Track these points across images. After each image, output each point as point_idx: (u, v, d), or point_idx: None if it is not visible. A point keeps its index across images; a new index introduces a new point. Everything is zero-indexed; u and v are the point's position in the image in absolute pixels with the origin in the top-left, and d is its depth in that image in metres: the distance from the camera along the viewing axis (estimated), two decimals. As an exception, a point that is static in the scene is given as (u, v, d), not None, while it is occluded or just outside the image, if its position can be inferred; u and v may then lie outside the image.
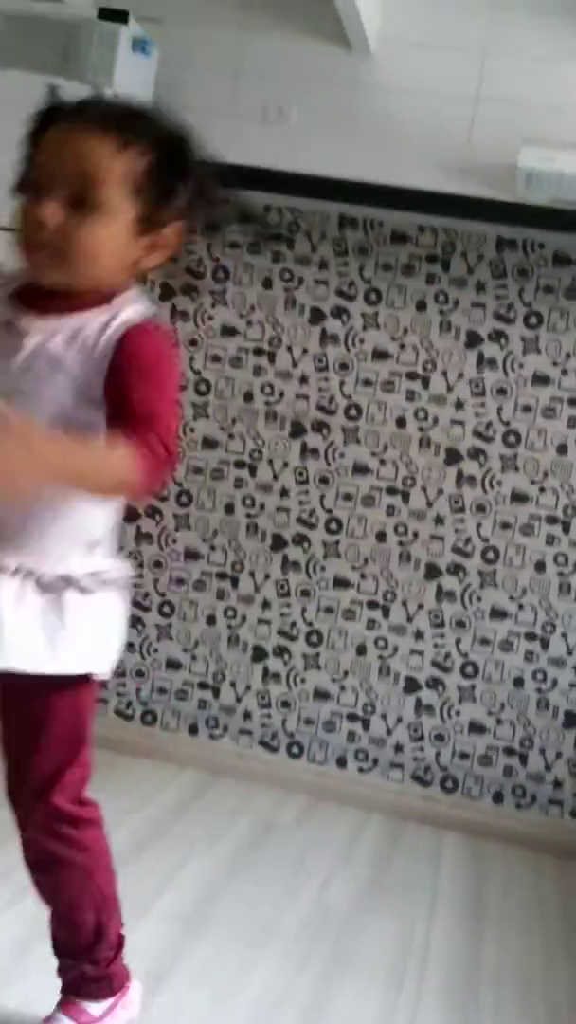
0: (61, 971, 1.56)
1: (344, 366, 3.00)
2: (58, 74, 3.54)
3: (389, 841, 2.65)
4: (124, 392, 1.34)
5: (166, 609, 3.01)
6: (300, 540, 2.98)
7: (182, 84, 3.52)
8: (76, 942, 1.54)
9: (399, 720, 2.91)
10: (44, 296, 1.41)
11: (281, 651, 2.97)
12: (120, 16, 3.34)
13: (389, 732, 2.92)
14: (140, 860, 2.23)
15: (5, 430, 1.19)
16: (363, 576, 2.96)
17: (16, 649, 1.39)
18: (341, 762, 2.93)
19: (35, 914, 1.57)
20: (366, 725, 2.93)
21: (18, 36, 3.46)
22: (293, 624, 2.97)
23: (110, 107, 1.45)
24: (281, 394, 3.03)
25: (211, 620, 2.99)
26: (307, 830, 2.62)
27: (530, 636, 2.89)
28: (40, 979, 1.61)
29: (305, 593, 2.97)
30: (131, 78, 3.44)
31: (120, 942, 1.59)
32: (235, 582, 2.99)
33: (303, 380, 3.02)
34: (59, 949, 1.55)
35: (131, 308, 1.42)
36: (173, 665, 2.99)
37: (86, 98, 1.44)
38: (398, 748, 2.91)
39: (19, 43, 3.45)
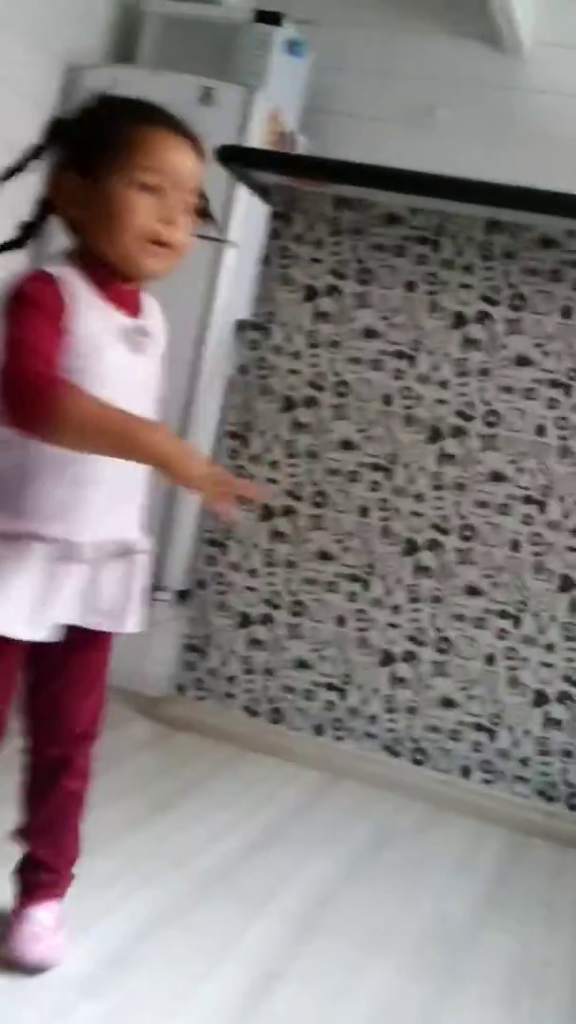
0: (37, 880, 1.71)
1: (485, 372, 2.97)
2: (212, 75, 3.59)
3: (510, 855, 2.61)
4: None
5: (297, 608, 3.03)
6: (433, 546, 2.97)
7: (333, 85, 3.54)
8: (69, 861, 1.73)
9: (526, 733, 2.87)
10: (116, 291, 1.51)
11: (409, 656, 2.96)
12: (275, 19, 3.38)
13: (516, 745, 2.88)
14: (258, 857, 2.25)
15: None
16: (495, 585, 2.92)
17: (132, 613, 1.61)
18: (465, 771, 2.90)
19: None
20: (492, 736, 2.89)
21: (175, 38, 3.53)
22: (422, 630, 2.95)
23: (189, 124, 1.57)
24: (420, 398, 3.01)
25: (341, 621, 3.00)
26: (427, 838, 2.61)
27: None
28: None
29: (436, 599, 2.95)
30: (284, 79, 3.48)
31: None
32: (366, 585, 2.99)
33: (443, 385, 3.00)
34: (46, 864, 1.72)
35: None
36: (302, 665, 3.00)
37: (162, 105, 1.53)
38: (524, 762, 2.86)
39: (176, 45, 3.52)
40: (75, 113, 1.53)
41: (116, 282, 1.51)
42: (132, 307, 1.55)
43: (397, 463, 3.01)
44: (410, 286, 3.05)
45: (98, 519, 1.52)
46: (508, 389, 2.95)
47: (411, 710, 2.95)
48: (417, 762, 2.93)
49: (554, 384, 2.92)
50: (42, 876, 1.72)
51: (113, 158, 1.45)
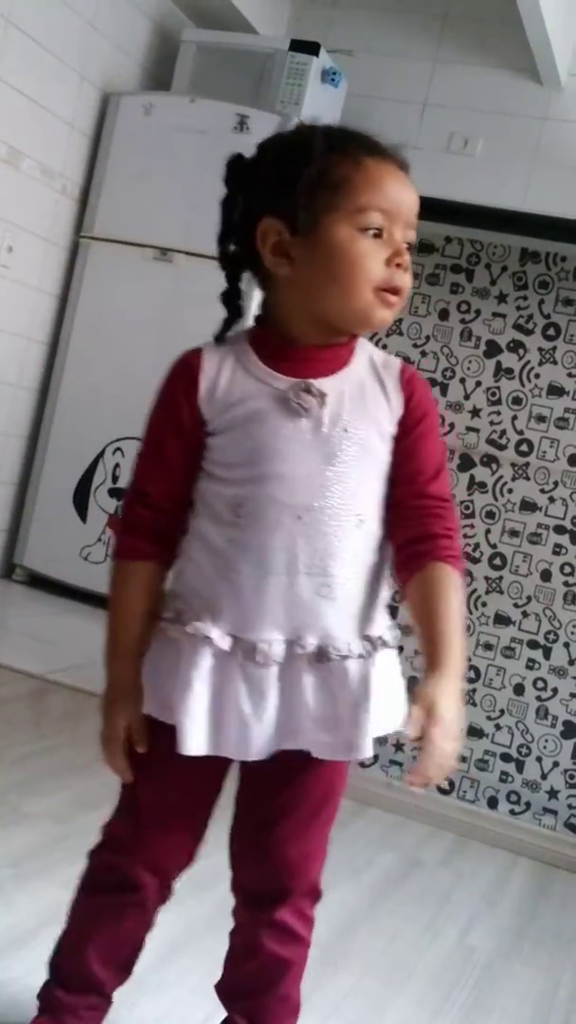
0: None
1: (518, 400, 2.96)
2: (248, 103, 3.62)
3: (537, 888, 2.57)
4: None
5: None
6: (464, 574, 2.95)
7: (369, 115, 3.56)
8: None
9: (555, 765, 2.84)
10: (287, 353, 1.33)
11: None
12: (312, 48, 3.41)
13: (544, 776, 2.84)
14: (282, 884, 2.23)
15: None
16: (525, 614, 2.90)
17: (344, 734, 1.34)
18: (492, 802, 2.87)
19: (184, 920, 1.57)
20: (520, 767, 2.86)
21: (211, 66, 3.56)
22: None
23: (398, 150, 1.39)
24: (452, 425, 3.01)
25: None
26: (452, 869, 2.57)
27: None
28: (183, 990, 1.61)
29: (466, 627, 2.93)
30: (319, 108, 3.50)
31: None
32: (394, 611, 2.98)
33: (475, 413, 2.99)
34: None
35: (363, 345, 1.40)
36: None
37: (366, 131, 1.33)
38: (552, 793, 2.83)
39: (212, 73, 3.55)
40: (267, 151, 1.34)
41: (294, 341, 1.33)
42: (320, 365, 1.33)
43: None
44: (443, 314, 3.05)
45: (280, 616, 1.31)
46: (541, 418, 2.94)
47: (438, 739, 2.92)
48: (444, 791, 2.90)
49: (587, 413, 2.91)
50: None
51: (331, 201, 1.26)
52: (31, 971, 1.50)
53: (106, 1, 3.44)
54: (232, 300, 1.37)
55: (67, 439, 3.44)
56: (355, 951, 2.05)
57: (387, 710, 1.36)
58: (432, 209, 3.09)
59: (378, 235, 1.27)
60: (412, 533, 1.37)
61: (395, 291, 1.29)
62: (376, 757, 2.80)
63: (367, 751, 1.35)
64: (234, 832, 1.44)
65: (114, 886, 1.42)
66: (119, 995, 1.57)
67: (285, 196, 1.27)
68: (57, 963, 1.48)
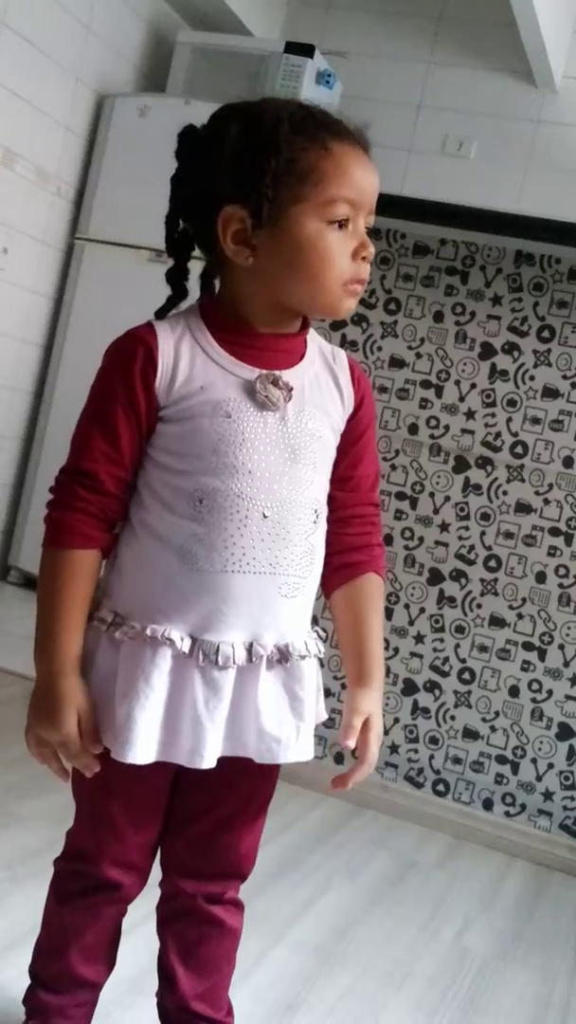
0: None
1: (513, 402, 2.96)
2: (243, 106, 3.61)
3: (533, 890, 2.57)
4: None
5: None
6: (457, 576, 2.95)
7: (363, 117, 3.57)
8: (221, 1006, 1.50)
9: (550, 766, 2.84)
10: (248, 339, 1.30)
11: (432, 687, 2.94)
12: (306, 50, 3.41)
13: (539, 778, 2.84)
14: (277, 886, 2.23)
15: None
16: (520, 616, 2.90)
17: (295, 738, 1.33)
18: (487, 804, 2.87)
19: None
20: (515, 769, 2.86)
21: (206, 68, 3.56)
22: (446, 660, 2.93)
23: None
24: (447, 427, 3.01)
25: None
26: (448, 871, 2.57)
27: None
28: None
29: (460, 629, 2.93)
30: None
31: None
32: (389, 613, 2.97)
33: (470, 415, 3.00)
34: (207, 1019, 1.48)
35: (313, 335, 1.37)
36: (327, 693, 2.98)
37: (328, 111, 1.27)
38: (548, 795, 2.83)
39: (206, 74, 3.55)
40: (226, 129, 1.25)
41: (252, 331, 1.30)
42: (281, 356, 1.31)
43: (422, 492, 3.00)
44: (438, 316, 3.05)
45: (243, 615, 1.28)
46: (536, 420, 2.94)
47: (434, 740, 2.92)
48: (439, 793, 2.90)
49: (582, 415, 2.91)
50: None
51: (298, 192, 1.22)
52: (24, 976, 1.50)
53: (101, 3, 3.44)
54: (178, 280, 1.34)
55: (62, 441, 3.42)
56: (351, 952, 2.05)
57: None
58: (427, 211, 3.11)
59: (343, 224, 1.24)
60: (353, 541, 1.39)
61: (360, 282, 1.27)
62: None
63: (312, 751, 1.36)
64: (179, 826, 1.41)
65: (87, 890, 1.41)
66: (114, 997, 1.57)
67: (249, 182, 1.22)
68: (38, 968, 1.47)
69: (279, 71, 3.47)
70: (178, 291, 1.34)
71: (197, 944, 1.45)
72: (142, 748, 1.27)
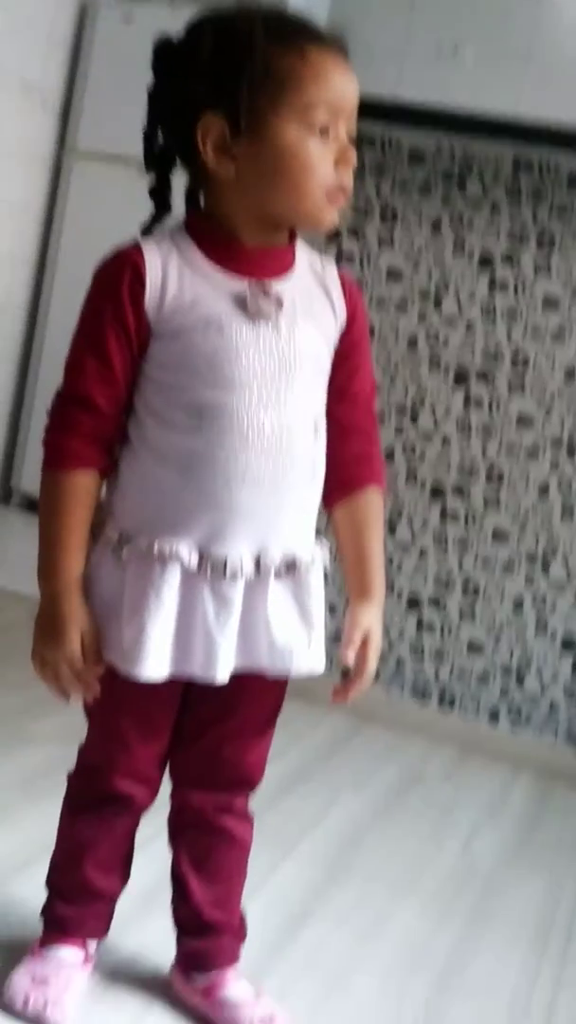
0: (217, 947, 1.49)
1: (512, 314, 2.91)
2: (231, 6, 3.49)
3: (538, 799, 2.60)
4: None
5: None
6: (459, 491, 2.94)
7: (355, 18, 3.45)
8: (243, 919, 1.52)
9: (554, 678, 2.85)
10: (235, 252, 1.28)
11: (436, 602, 2.94)
12: (296, -51, 3.30)
13: (544, 690, 2.86)
14: (285, 801, 2.25)
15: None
16: (523, 529, 2.89)
17: (306, 648, 1.34)
18: (493, 716, 2.89)
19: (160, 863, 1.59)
20: (520, 681, 2.87)
21: (193, -28, 3.45)
22: (449, 574, 2.93)
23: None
24: (446, 341, 2.97)
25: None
26: (454, 783, 2.60)
27: None
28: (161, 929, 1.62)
29: (463, 543, 2.92)
30: (305, 9, 3.39)
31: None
32: (392, 528, 2.96)
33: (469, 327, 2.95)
34: (220, 926, 1.49)
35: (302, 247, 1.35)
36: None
37: (304, 18, 1.26)
38: (552, 706, 2.85)
39: (194, -21, 3.44)
40: (202, 38, 1.23)
41: (238, 244, 1.28)
42: (269, 267, 1.29)
43: (423, 407, 2.97)
44: (436, 225, 2.99)
45: (249, 528, 1.28)
46: (536, 332, 2.90)
47: (438, 655, 2.93)
48: (445, 707, 2.92)
49: (584, 325, 2.87)
50: (222, 940, 1.48)
51: (276, 97, 1.20)
52: (42, 890, 1.52)
53: None
54: (162, 195, 1.31)
55: (60, 361, 3.39)
56: (359, 864, 2.08)
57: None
58: (422, 117, 3.03)
59: (323, 131, 1.22)
60: (354, 451, 1.38)
61: (343, 190, 1.25)
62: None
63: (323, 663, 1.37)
64: (189, 740, 1.42)
65: (100, 802, 1.43)
66: (129, 908, 1.59)
67: (226, 91, 1.20)
68: (55, 881, 1.49)
69: (268, -27, 3.37)
70: (162, 207, 1.32)
71: (208, 853, 1.47)
72: (154, 663, 1.28)
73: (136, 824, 1.48)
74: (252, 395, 1.26)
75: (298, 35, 1.22)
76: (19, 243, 3.41)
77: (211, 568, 1.27)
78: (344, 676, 1.38)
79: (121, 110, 3.16)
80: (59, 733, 2.04)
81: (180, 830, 1.48)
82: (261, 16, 1.23)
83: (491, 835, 2.34)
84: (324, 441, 1.35)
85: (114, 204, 3.17)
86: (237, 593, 1.29)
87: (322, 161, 1.22)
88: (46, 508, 1.29)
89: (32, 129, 3.35)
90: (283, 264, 1.31)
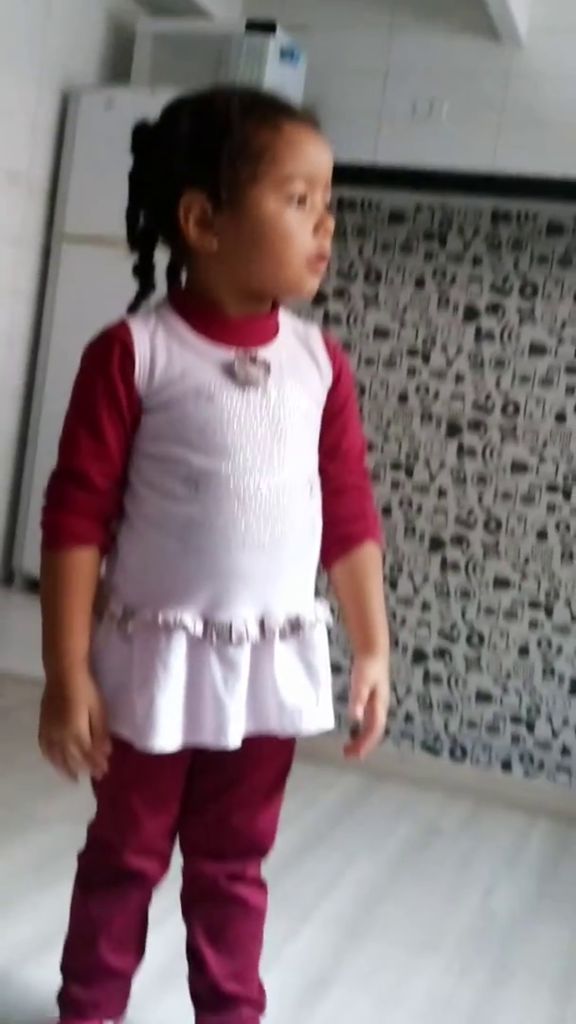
0: (232, 1019, 1.49)
1: (500, 363, 2.96)
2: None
3: (557, 846, 2.60)
4: None
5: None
6: (459, 541, 2.96)
7: (331, 88, 3.54)
8: (262, 989, 1.53)
9: (565, 722, 2.86)
10: (220, 323, 1.31)
11: (442, 653, 2.95)
12: (268, 27, 3.38)
13: (555, 735, 2.86)
14: (301, 865, 2.25)
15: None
16: (524, 576, 2.91)
17: (314, 706, 1.36)
18: (506, 765, 2.89)
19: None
20: (531, 728, 2.88)
21: (169, 54, 3.53)
22: (453, 625, 2.95)
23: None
24: (436, 394, 3.01)
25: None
26: (471, 835, 2.59)
27: None
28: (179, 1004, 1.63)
29: (465, 593, 2.94)
30: (280, 86, 3.48)
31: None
32: (394, 585, 2.98)
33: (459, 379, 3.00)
34: (240, 998, 1.49)
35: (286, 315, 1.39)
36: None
37: (277, 95, 1.31)
38: (565, 751, 2.85)
39: (170, 60, 3.53)
40: (178, 119, 1.28)
41: (223, 314, 1.31)
42: (254, 336, 1.33)
43: (417, 460, 3.00)
44: (419, 283, 3.05)
45: (252, 592, 1.30)
46: (525, 378, 2.94)
47: (448, 706, 2.94)
48: (457, 758, 2.92)
49: (571, 370, 2.91)
50: (242, 1013, 1.48)
51: (254, 171, 1.24)
52: (58, 974, 1.52)
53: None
54: (146, 273, 1.35)
55: (56, 440, 3.44)
56: (380, 922, 2.07)
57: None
58: (401, 178, 3.10)
59: (301, 201, 1.26)
60: (349, 510, 1.40)
61: (322, 258, 1.29)
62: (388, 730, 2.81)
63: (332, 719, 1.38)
64: (197, 809, 1.42)
65: (111, 879, 1.43)
66: (146, 987, 1.59)
67: (206, 168, 1.24)
68: (69, 963, 1.50)
69: (242, 51, 3.45)
70: (146, 284, 1.36)
71: (223, 925, 1.47)
72: (167, 735, 1.29)
73: (149, 899, 1.49)
74: (246, 459, 1.28)
75: (273, 111, 1.27)
76: (12, 326, 3.48)
77: (216, 634, 1.29)
78: (353, 733, 1.39)
79: (105, 192, 3.23)
80: (69, 814, 2.05)
81: (193, 902, 1.49)
82: (236, 95, 1.28)
83: (510, 886, 2.33)
84: (319, 500, 1.37)
85: (103, 284, 3.23)
86: (244, 657, 1.30)
87: (301, 230, 1.26)
88: (48, 588, 1.30)
89: (20, 216, 3.43)
90: (267, 331, 1.35)
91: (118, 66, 3.69)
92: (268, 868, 1.51)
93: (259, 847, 1.47)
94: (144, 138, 1.31)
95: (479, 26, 3.41)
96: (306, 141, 1.26)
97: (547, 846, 2.59)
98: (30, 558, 3.37)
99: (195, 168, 1.25)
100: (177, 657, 1.28)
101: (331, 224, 1.29)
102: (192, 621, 1.28)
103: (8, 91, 3.26)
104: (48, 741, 1.32)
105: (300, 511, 1.33)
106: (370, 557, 1.42)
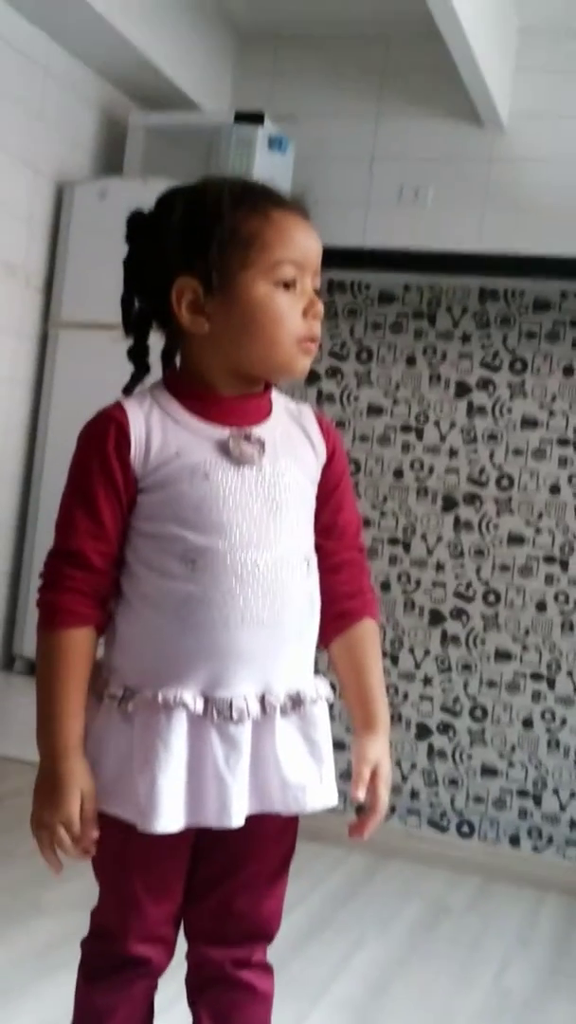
0: None
1: (493, 437, 2.99)
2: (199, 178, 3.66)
3: (569, 921, 2.56)
4: None
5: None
6: (458, 614, 2.97)
7: (319, 175, 3.63)
8: None
9: (573, 795, 2.83)
10: (214, 403, 1.33)
11: (445, 728, 2.94)
12: (256, 118, 3.48)
13: (563, 808, 2.84)
14: (310, 946, 2.22)
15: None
16: (525, 648, 2.91)
17: (311, 787, 1.33)
18: (514, 840, 2.86)
19: None
20: (538, 801, 2.85)
21: (161, 145, 3.63)
22: (456, 698, 2.94)
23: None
24: (431, 469, 3.04)
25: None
26: (481, 912, 2.56)
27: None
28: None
29: (466, 667, 2.94)
30: (269, 175, 3.57)
31: None
32: (395, 660, 2.98)
33: (452, 453, 3.03)
34: None
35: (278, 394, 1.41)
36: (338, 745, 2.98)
37: (267, 184, 1.35)
38: (573, 824, 2.82)
39: (161, 152, 3.62)
40: (171, 208, 1.31)
41: (216, 395, 1.33)
42: (248, 415, 1.34)
43: (414, 535, 3.02)
44: (411, 360, 3.09)
45: (252, 668, 1.29)
46: (518, 452, 2.97)
47: (453, 782, 2.92)
48: (464, 835, 2.89)
49: (563, 442, 2.95)
50: None
51: (245, 257, 1.27)
52: (64, 1063, 1.49)
53: (52, 94, 3.53)
54: (140, 356, 1.37)
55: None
56: (391, 1005, 2.04)
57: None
58: (389, 260, 3.16)
59: (290, 285, 1.29)
60: (346, 587, 1.40)
61: (312, 340, 1.31)
62: (394, 807, 2.78)
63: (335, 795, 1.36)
64: (201, 893, 1.39)
65: (115, 967, 1.40)
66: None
67: (197, 254, 1.27)
68: None
69: (231, 141, 3.54)
70: (141, 367, 1.38)
71: (230, 1012, 1.44)
72: (169, 816, 1.27)
73: (154, 987, 1.46)
74: (242, 536, 1.29)
75: (262, 200, 1.30)
76: (11, 413, 3.52)
77: (217, 711, 1.28)
78: (359, 811, 1.37)
79: (100, 281, 3.28)
80: (73, 901, 2.03)
81: (199, 989, 1.46)
82: (227, 185, 1.31)
83: (522, 964, 2.29)
84: (316, 576, 1.37)
85: (99, 369, 3.28)
86: (245, 734, 1.29)
87: (291, 312, 1.28)
88: (44, 668, 1.30)
89: (18, 306, 3.49)
90: (261, 411, 1.36)
91: (111, 158, 3.79)
92: (276, 951, 1.49)
93: (265, 932, 1.44)
94: (138, 226, 1.35)
95: (462, 112, 3.51)
96: (295, 228, 1.30)
97: (558, 921, 2.55)
98: (31, 642, 3.37)
99: (187, 254, 1.28)
100: (178, 736, 1.27)
101: (320, 308, 1.31)
102: (192, 699, 1.27)
103: (3, 184, 3.34)
104: (38, 822, 1.29)
105: (297, 587, 1.33)
106: (368, 633, 1.42)
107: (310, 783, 1.32)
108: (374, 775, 1.35)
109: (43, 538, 3.48)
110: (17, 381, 3.49)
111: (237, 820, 1.29)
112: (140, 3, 3.40)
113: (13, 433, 3.51)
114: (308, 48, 3.78)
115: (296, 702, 1.33)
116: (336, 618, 1.40)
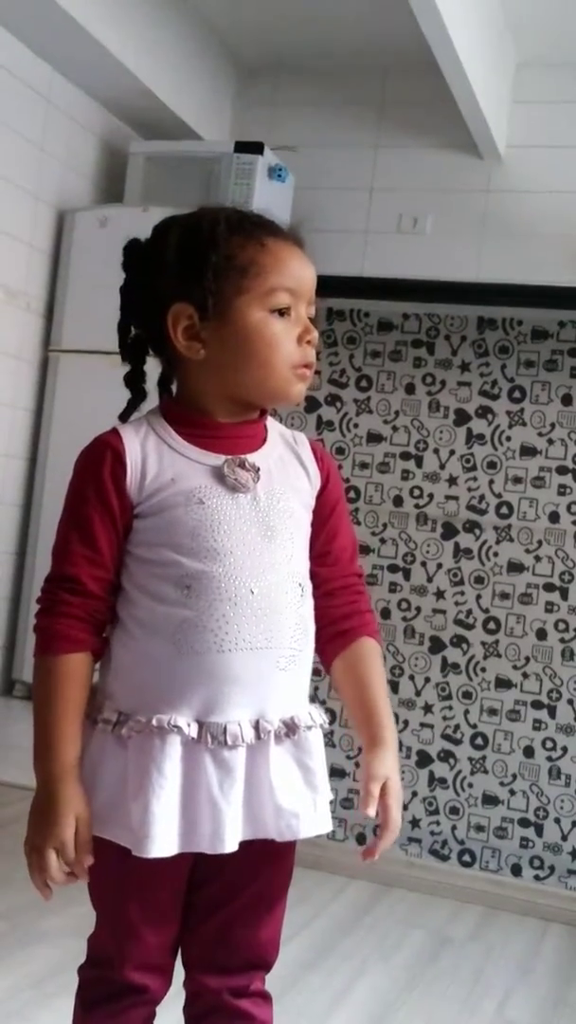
0: None
1: (493, 464, 3.00)
2: (199, 207, 3.68)
3: (571, 951, 2.54)
4: None
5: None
6: (459, 642, 2.96)
7: (318, 205, 3.66)
8: None
9: (575, 824, 2.82)
10: (210, 430, 1.34)
11: (446, 756, 2.93)
12: (256, 148, 3.51)
13: (564, 837, 2.82)
14: (312, 976, 2.19)
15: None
16: (525, 675, 2.90)
17: (305, 814, 1.31)
18: (516, 870, 2.84)
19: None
20: (539, 831, 2.84)
21: (160, 174, 3.66)
22: (456, 726, 2.93)
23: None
24: (431, 496, 3.04)
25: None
26: (483, 942, 2.54)
27: None
28: None
29: (467, 694, 2.93)
30: (269, 205, 3.60)
31: None
32: (395, 687, 2.97)
33: (452, 481, 3.03)
34: None
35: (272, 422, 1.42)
36: (337, 773, 2.97)
37: (262, 214, 1.36)
38: (575, 854, 2.80)
39: (161, 181, 3.65)
40: (168, 236, 1.33)
41: (212, 421, 1.34)
42: (243, 442, 1.36)
43: (414, 562, 3.02)
44: (410, 388, 3.10)
45: (246, 693, 1.29)
46: (517, 480, 2.97)
47: (454, 810, 2.90)
48: (466, 864, 2.87)
49: (562, 470, 2.95)
50: None
51: (240, 284, 1.29)
52: None
53: (53, 124, 3.55)
54: (137, 383, 1.38)
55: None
56: (392, 1037, 2.02)
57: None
58: (388, 289, 3.18)
59: (285, 312, 1.30)
60: (344, 610, 1.40)
61: (308, 366, 1.33)
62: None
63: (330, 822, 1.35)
64: (198, 921, 1.38)
65: (112, 995, 1.38)
66: None
67: (193, 281, 1.29)
68: None
69: (231, 170, 3.57)
70: (137, 393, 1.39)
71: None
72: (162, 841, 1.26)
73: (153, 1015, 1.44)
74: (237, 562, 1.29)
75: (258, 229, 1.31)
76: (11, 439, 3.52)
77: (211, 736, 1.28)
78: (359, 843, 1.36)
79: (100, 308, 3.30)
80: (72, 928, 2.02)
81: (197, 1018, 1.43)
82: (223, 214, 1.32)
83: (525, 994, 2.27)
84: (311, 602, 1.38)
85: (99, 395, 3.28)
86: (239, 760, 1.29)
87: (286, 338, 1.30)
88: (40, 693, 1.30)
89: (19, 332, 3.50)
90: (256, 438, 1.37)
91: (112, 186, 3.81)
92: (276, 980, 1.47)
93: (263, 961, 1.42)
94: (135, 254, 1.36)
95: (460, 143, 3.54)
96: (290, 257, 1.31)
97: (561, 951, 2.53)
98: (30, 669, 3.37)
99: (183, 281, 1.30)
100: (172, 761, 1.27)
101: (315, 335, 1.33)
102: (187, 724, 1.27)
103: (6, 212, 3.36)
104: (31, 846, 1.29)
105: (292, 612, 1.33)
106: (369, 650, 1.41)
107: (304, 810, 1.31)
108: (384, 792, 1.32)
109: (43, 563, 3.47)
110: (19, 406, 3.50)
111: (230, 845, 1.28)
112: (142, 35, 3.43)
113: (13, 459, 3.51)
114: (308, 79, 3.81)
115: (291, 728, 1.32)
116: (335, 638, 1.40)
